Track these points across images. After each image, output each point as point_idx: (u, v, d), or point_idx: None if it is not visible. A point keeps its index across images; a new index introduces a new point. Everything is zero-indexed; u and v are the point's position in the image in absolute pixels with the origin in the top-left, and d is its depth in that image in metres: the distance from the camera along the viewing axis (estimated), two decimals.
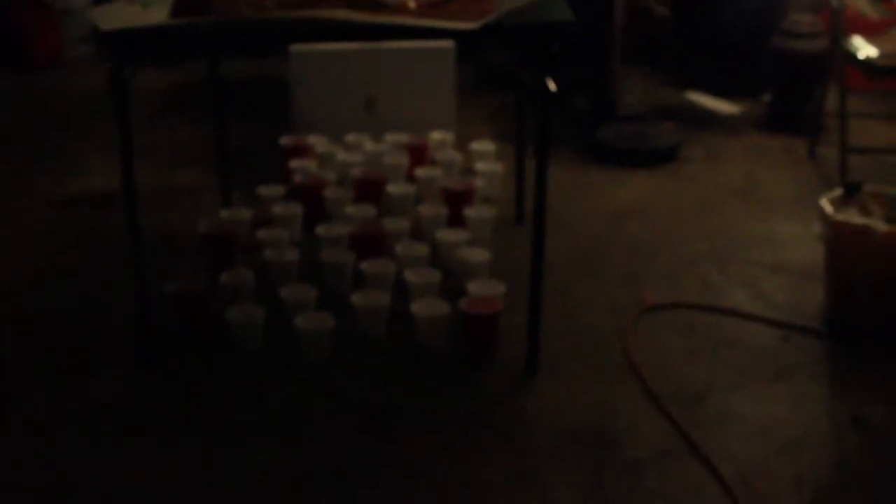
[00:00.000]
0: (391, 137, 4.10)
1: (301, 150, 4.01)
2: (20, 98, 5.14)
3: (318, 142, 4.07)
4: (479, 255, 3.20)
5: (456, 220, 3.48)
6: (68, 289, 3.31)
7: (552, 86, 2.56)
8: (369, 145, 4.05)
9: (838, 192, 3.12)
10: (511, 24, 2.53)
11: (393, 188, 3.66)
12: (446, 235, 3.33)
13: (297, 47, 4.09)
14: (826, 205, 3.03)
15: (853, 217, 3.00)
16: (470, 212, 3.48)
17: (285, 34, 2.70)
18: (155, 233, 3.61)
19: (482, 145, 4.07)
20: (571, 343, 2.96)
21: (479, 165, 3.88)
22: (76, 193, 4.01)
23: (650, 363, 2.86)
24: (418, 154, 3.96)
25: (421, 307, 2.91)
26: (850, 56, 3.93)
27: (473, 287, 3.00)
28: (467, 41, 2.52)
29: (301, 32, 2.68)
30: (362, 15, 2.56)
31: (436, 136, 4.12)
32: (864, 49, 3.91)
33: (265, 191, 3.70)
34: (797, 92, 4.52)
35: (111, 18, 2.64)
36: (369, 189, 3.66)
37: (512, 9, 2.62)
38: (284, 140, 4.05)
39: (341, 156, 3.96)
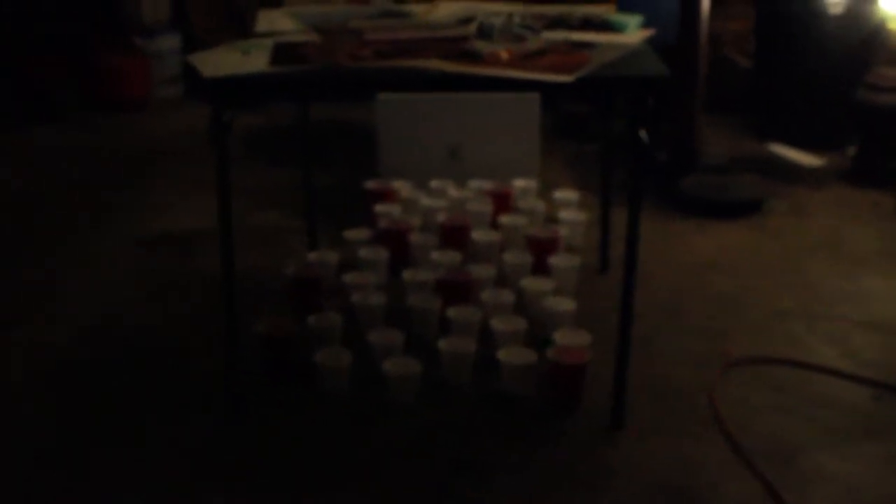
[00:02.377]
0: (475, 184, 4.13)
1: (386, 195, 4.05)
2: (111, 138, 5.27)
3: (402, 187, 4.11)
4: (565, 305, 3.20)
5: (541, 269, 3.49)
6: (153, 331, 3.36)
7: (645, 138, 2.56)
8: (453, 191, 4.08)
9: None
10: (605, 77, 2.55)
11: (478, 235, 3.69)
12: (532, 284, 3.34)
13: (383, 94, 4.16)
14: None
15: None
16: (555, 260, 3.49)
17: (380, 83, 2.74)
18: (239, 274, 3.67)
19: (565, 194, 4.08)
20: (656, 396, 2.95)
21: (564, 214, 3.89)
22: (161, 233, 4.09)
23: (736, 419, 2.83)
24: (502, 201, 3.98)
25: (508, 355, 2.92)
26: None
27: (560, 336, 3.01)
28: (561, 93, 2.53)
29: (395, 82, 2.73)
30: (456, 66, 2.60)
31: (519, 183, 4.14)
32: None
33: (351, 234, 3.74)
34: (882, 145, 4.48)
35: (213, 64, 2.71)
36: (455, 235, 3.69)
37: (607, 61, 2.64)
38: (370, 184, 4.10)
39: (426, 201, 4.00)
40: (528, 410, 2.88)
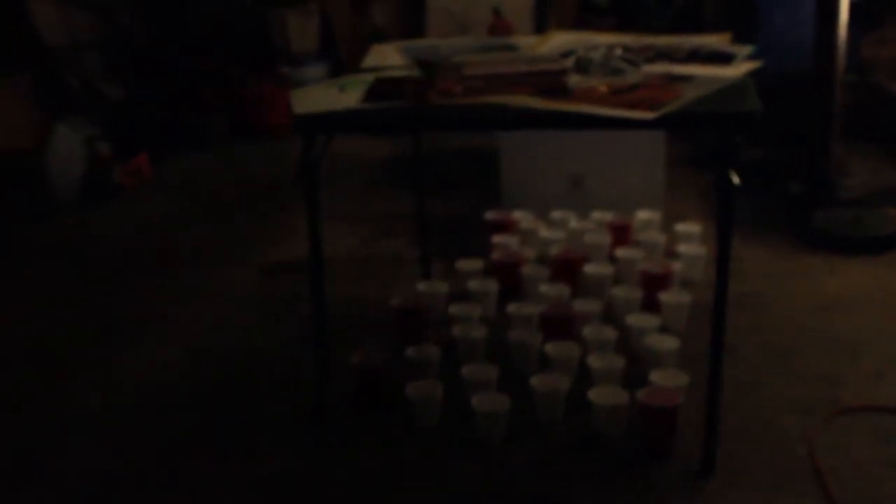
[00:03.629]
0: (596, 215, 4.08)
1: (505, 226, 4.04)
2: (254, 165, 5.45)
3: (522, 217, 4.10)
4: (668, 343, 3.12)
5: (651, 305, 3.42)
6: (260, 357, 3.43)
7: (735, 179, 2.47)
8: (574, 223, 4.04)
9: None
10: (689, 113, 2.48)
11: (590, 268, 3.63)
12: (637, 320, 3.27)
13: None
14: None
15: None
16: (665, 296, 3.40)
17: (465, 121, 2.73)
18: (353, 301, 3.74)
19: (687, 226, 3.98)
20: (754, 443, 2.83)
21: (682, 248, 3.80)
22: (286, 260, 4.18)
23: (838, 471, 2.69)
24: (621, 233, 3.91)
25: (599, 394, 2.86)
26: None
27: (656, 376, 2.93)
28: (649, 128, 2.47)
29: (480, 120, 2.71)
30: (542, 102, 2.57)
31: (642, 215, 4.07)
32: None
33: (463, 265, 3.75)
34: None
35: (308, 100, 2.76)
36: (566, 268, 3.65)
37: (698, 97, 2.56)
38: (489, 215, 4.10)
39: (543, 232, 3.97)
40: (617, 452, 2.81)
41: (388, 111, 2.65)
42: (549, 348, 3.10)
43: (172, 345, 3.53)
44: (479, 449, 2.85)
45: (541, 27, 5.82)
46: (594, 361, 3.02)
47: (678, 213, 4.28)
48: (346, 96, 2.77)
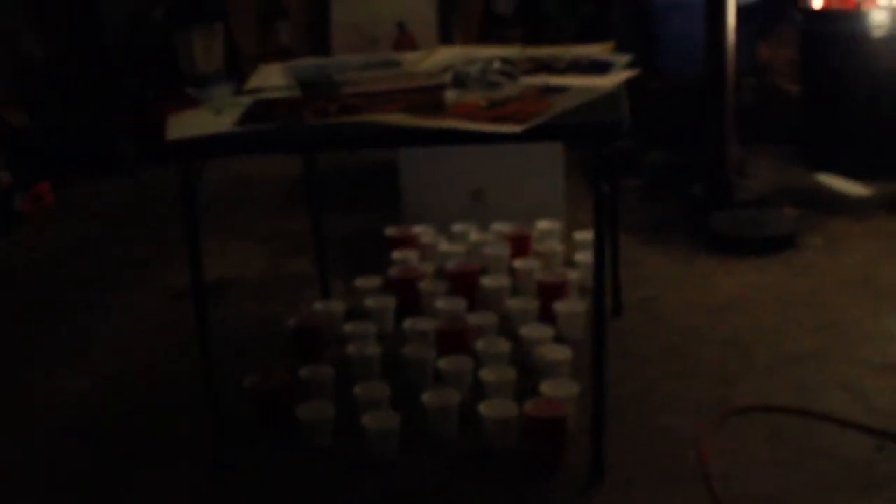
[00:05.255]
0: (496, 227, 4.09)
1: (405, 241, 4.04)
2: (160, 188, 5.38)
3: (423, 232, 4.10)
4: (560, 353, 3.13)
5: (548, 315, 3.43)
6: (166, 382, 3.40)
7: (605, 188, 2.49)
8: (474, 235, 4.05)
9: None
10: (555, 126, 2.49)
11: (487, 281, 3.64)
12: (531, 331, 3.28)
13: None
14: None
15: None
16: (560, 306, 3.42)
17: (338, 140, 2.72)
18: (256, 322, 3.72)
19: (586, 235, 3.99)
20: (646, 447, 2.85)
21: (579, 256, 3.82)
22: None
23: (726, 472, 2.72)
24: (521, 244, 3.93)
25: (489, 408, 2.86)
26: None
27: (546, 387, 2.94)
28: (515, 141, 2.48)
29: (354, 139, 2.71)
30: (412, 119, 2.57)
31: (542, 225, 4.09)
32: None
33: (362, 282, 3.74)
34: None
35: (182, 125, 2.74)
36: (463, 281, 3.65)
37: (568, 108, 2.58)
38: (389, 230, 4.09)
39: (443, 247, 3.97)
40: (509, 465, 2.81)
41: (260, 133, 2.63)
42: (443, 363, 3.10)
43: (79, 375, 3.48)
44: (374, 467, 2.84)
45: (446, 39, 5.83)
46: (486, 375, 3.02)
47: (579, 223, 4.30)
48: (222, 119, 2.75)
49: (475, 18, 6.01)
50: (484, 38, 5.93)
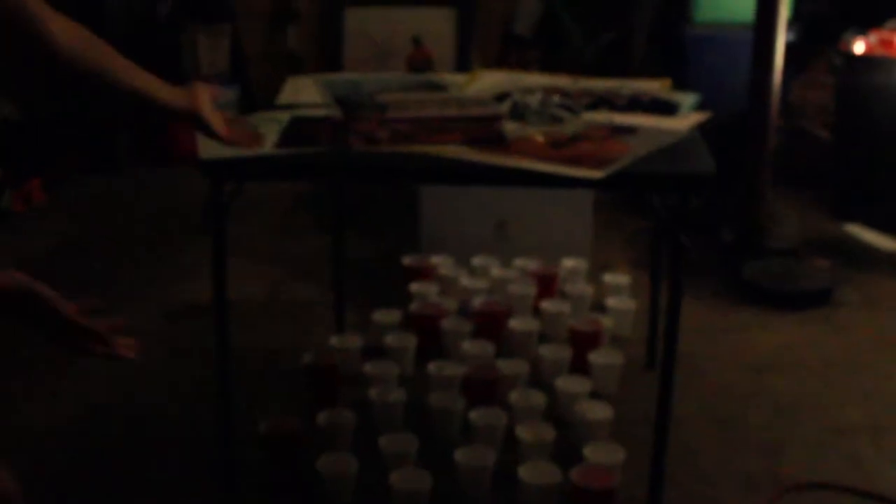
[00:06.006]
0: (520, 262, 3.86)
1: (424, 272, 3.80)
2: (158, 192, 5.12)
3: (442, 263, 3.86)
4: (601, 412, 2.90)
5: (580, 364, 3.20)
6: (160, 416, 3.14)
7: (686, 242, 2.27)
8: (496, 271, 3.82)
9: None
10: (639, 174, 2.26)
11: (515, 323, 3.41)
12: (567, 384, 3.05)
13: None
14: None
15: None
16: (595, 357, 3.19)
17: (392, 171, 2.47)
18: (263, 354, 3.46)
19: (616, 277, 3.79)
20: None
21: (611, 302, 3.59)
22: (189, 303, 3.88)
23: None
24: (547, 283, 3.70)
25: (530, 472, 2.62)
26: None
27: (590, 452, 2.70)
28: (595, 188, 2.25)
29: (411, 172, 2.47)
30: (477, 154, 2.34)
31: (568, 263, 3.86)
32: None
33: (380, 316, 3.49)
34: None
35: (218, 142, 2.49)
36: (490, 322, 3.42)
37: (646, 153, 2.35)
38: (407, 260, 3.85)
39: (465, 281, 3.74)
40: None
41: (304, 159, 2.38)
42: (474, 416, 2.86)
43: (66, 400, 3.21)
44: None
45: (463, 58, 5.61)
46: (523, 433, 2.79)
47: (605, 261, 4.09)
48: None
49: (494, 37, 5.78)
50: (501, 58, 5.71)
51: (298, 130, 2.56)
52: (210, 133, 2.23)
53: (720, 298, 3.87)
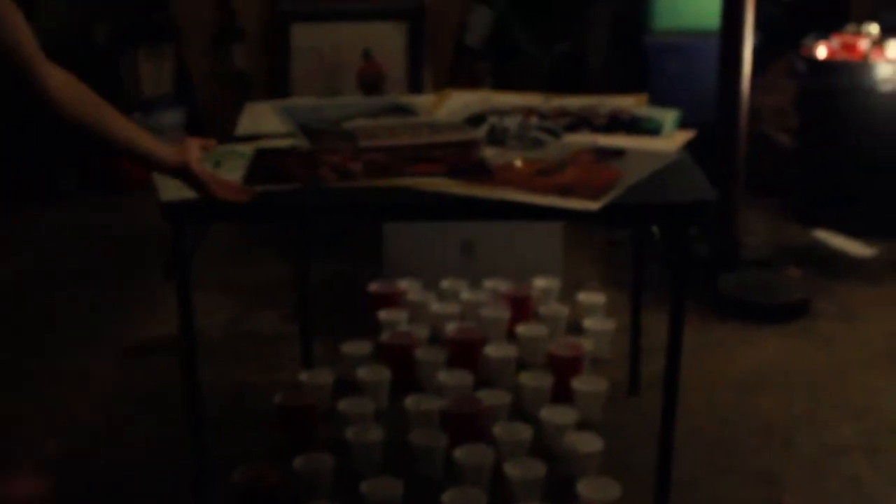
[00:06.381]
0: (490, 284, 3.73)
1: (391, 298, 3.65)
2: (107, 222, 4.92)
3: (410, 288, 3.72)
4: (590, 444, 2.78)
5: (562, 391, 3.08)
6: (126, 465, 2.95)
7: (685, 270, 2.15)
8: (466, 294, 3.68)
9: None
10: (637, 204, 2.14)
11: (492, 350, 3.28)
12: (552, 415, 2.92)
13: None
14: None
15: None
16: (579, 384, 3.07)
17: (373, 210, 2.31)
18: (227, 391, 3.30)
19: (590, 297, 3.67)
20: None
21: (588, 323, 3.48)
22: (152, 340, 3.69)
23: None
24: (520, 306, 3.57)
25: None
26: None
27: (584, 489, 2.58)
28: (592, 220, 2.13)
29: (393, 209, 2.30)
30: (465, 187, 2.20)
31: (540, 283, 3.74)
32: None
33: (350, 348, 3.34)
34: None
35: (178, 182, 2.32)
36: (465, 350, 3.28)
37: (637, 180, 2.23)
38: (373, 286, 3.70)
39: (435, 307, 3.60)
40: None
41: (277, 199, 2.23)
42: (460, 454, 2.72)
43: (20, 454, 3.01)
44: None
45: (415, 71, 5.47)
46: (512, 470, 2.65)
47: (576, 280, 3.97)
48: (224, 175, 2.33)
49: (445, 48, 5.65)
50: (454, 70, 5.58)
51: (265, 165, 2.40)
52: (201, 190, 2.15)
53: (697, 314, 3.76)
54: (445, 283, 3.76)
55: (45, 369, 3.51)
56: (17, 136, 5.11)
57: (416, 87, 5.22)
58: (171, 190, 2.23)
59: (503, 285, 3.68)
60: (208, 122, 5.53)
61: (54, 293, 4.12)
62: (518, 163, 2.35)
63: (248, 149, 2.54)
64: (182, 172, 2.12)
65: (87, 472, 2.93)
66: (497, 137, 2.51)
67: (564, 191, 2.15)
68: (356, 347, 3.34)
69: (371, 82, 5.15)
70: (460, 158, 2.38)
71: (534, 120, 2.61)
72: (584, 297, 3.67)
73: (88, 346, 3.66)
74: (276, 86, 5.39)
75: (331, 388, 3.15)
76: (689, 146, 4.02)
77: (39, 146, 5.13)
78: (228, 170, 2.37)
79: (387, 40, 5.53)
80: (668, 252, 2.19)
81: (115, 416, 3.21)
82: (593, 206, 2.08)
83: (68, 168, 5.24)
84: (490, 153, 2.44)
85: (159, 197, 2.23)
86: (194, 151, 2.13)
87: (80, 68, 5.70)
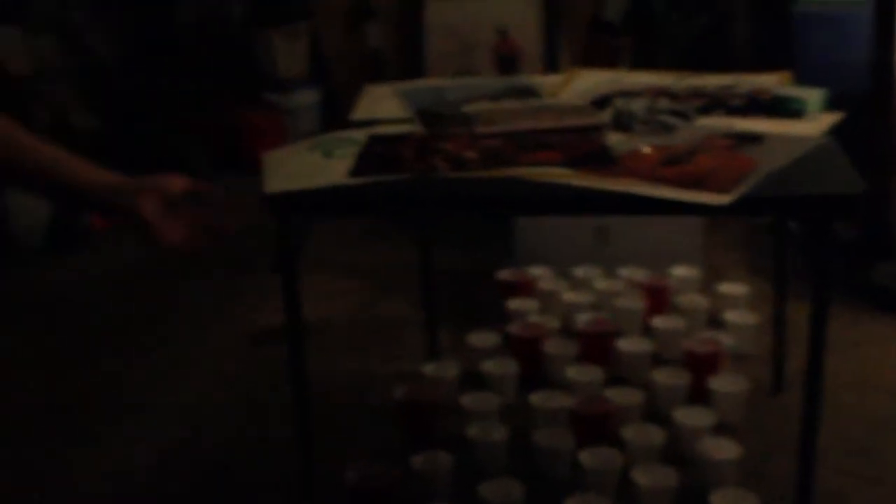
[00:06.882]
0: (626, 272, 3.55)
1: (522, 287, 3.52)
2: (241, 203, 4.89)
3: (541, 276, 3.57)
4: (727, 451, 2.59)
5: (699, 392, 2.89)
6: (238, 457, 2.89)
7: (827, 267, 1.95)
8: (600, 282, 3.51)
9: None
10: (774, 197, 1.94)
11: (625, 344, 3.11)
12: (687, 417, 2.74)
13: None
14: None
15: None
16: (716, 384, 2.88)
17: (489, 203, 2.16)
18: (350, 379, 3.22)
19: (732, 287, 3.45)
20: None
21: (730, 316, 3.26)
22: (276, 326, 3.63)
23: None
24: (657, 296, 3.39)
25: None
26: None
27: (719, 500, 2.40)
28: (723, 214, 1.94)
29: (507, 202, 2.15)
30: (585, 178, 2.04)
31: (678, 272, 3.54)
32: None
33: (476, 340, 3.22)
34: None
35: (286, 172, 2.23)
36: (597, 344, 3.12)
37: (776, 169, 2.03)
38: (502, 274, 3.57)
39: (567, 296, 3.44)
40: None
41: (385, 190, 2.11)
42: (585, 457, 2.57)
43: (142, 440, 3.00)
44: None
45: (550, 48, 5.29)
46: (641, 478, 2.49)
47: (717, 268, 3.75)
48: (335, 165, 2.23)
49: (582, 25, 5.45)
50: (590, 46, 5.38)
51: (376, 153, 2.29)
52: (142, 230, 1.87)
53: (847, 307, 3.50)
54: (579, 272, 3.60)
55: (171, 353, 3.50)
56: (151, 119, 5.17)
57: (552, 65, 5.05)
58: (279, 176, 2.14)
59: (639, 274, 3.50)
60: (342, 102, 5.47)
61: (178, 280, 4.08)
62: (646, 150, 2.17)
63: (361, 135, 2.43)
64: (119, 202, 1.82)
65: (196, 458, 2.89)
66: (622, 122, 2.34)
67: (694, 182, 1.97)
68: (483, 338, 3.22)
69: (507, 61, 5.02)
70: (581, 145, 2.22)
71: (664, 102, 2.43)
72: (726, 287, 3.45)
73: (212, 332, 3.64)
74: (411, 65, 5.30)
75: (456, 381, 3.04)
76: (840, 127, 3.76)
77: (172, 129, 5.17)
78: (339, 160, 2.27)
79: (521, 16, 5.37)
80: (809, 248, 1.98)
81: (227, 406, 3.16)
82: (723, 199, 1.90)
83: (200, 151, 5.25)
84: (615, 139, 2.27)
85: (263, 188, 2.14)
86: (153, 201, 1.84)
87: (216, 49, 5.72)
